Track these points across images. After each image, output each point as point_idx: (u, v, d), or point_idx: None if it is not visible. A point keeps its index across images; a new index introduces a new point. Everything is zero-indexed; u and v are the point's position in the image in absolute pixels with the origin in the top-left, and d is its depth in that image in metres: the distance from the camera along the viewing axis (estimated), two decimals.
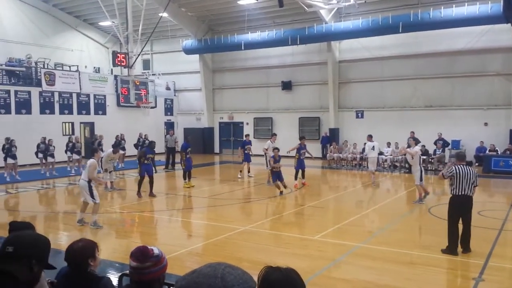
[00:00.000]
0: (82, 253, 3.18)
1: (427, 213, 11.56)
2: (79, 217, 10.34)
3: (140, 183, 13.95)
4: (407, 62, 23.45)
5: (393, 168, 21.36)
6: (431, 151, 21.14)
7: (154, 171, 14.23)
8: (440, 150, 20.93)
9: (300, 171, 15.94)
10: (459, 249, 7.85)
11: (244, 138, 19.69)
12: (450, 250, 7.81)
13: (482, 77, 21.78)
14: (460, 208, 7.89)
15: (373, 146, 16.44)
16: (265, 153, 16.93)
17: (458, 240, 7.86)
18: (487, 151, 20.78)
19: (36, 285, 2.32)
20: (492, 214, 11.23)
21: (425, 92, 23.15)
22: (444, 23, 20.36)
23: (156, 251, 2.62)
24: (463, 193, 7.81)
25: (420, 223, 10.79)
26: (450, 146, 21.58)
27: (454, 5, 20.19)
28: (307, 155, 16.30)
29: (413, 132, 20.54)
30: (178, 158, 20.21)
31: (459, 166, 7.94)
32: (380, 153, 22.00)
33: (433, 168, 20.74)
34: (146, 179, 13.87)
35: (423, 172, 12.92)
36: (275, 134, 18.48)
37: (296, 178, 15.88)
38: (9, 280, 2.10)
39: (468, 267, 7.23)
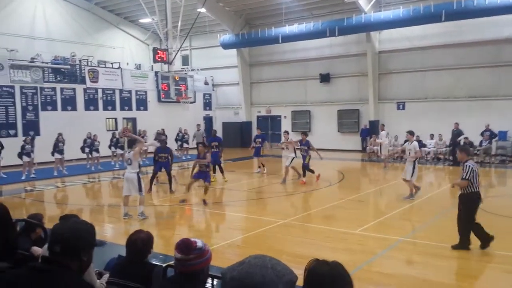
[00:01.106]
0: (146, 243, 3.36)
1: None
2: (124, 211, 10.59)
3: (152, 179, 14.16)
4: (450, 52, 22.71)
5: (436, 161, 20.80)
6: (476, 143, 20.42)
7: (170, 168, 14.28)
8: (487, 141, 20.17)
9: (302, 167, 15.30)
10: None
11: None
12: (463, 245, 7.52)
13: None
14: (478, 204, 7.55)
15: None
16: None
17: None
18: None
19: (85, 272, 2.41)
20: None
21: (469, 82, 22.36)
22: (489, 10, 19.55)
23: (199, 243, 2.67)
24: (478, 189, 7.52)
25: None
26: (497, 138, 20.79)
27: None
28: (309, 153, 15.21)
29: (457, 124, 19.93)
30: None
31: (473, 162, 7.62)
32: (423, 145, 21.51)
33: (480, 161, 20.05)
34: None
35: (416, 168, 12.33)
36: (287, 132, 17.75)
37: (304, 174, 15.31)
38: (64, 271, 2.18)
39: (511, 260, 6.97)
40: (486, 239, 7.50)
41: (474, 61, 22.04)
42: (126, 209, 10.58)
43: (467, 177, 7.40)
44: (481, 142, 20.31)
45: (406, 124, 23.42)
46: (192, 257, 2.61)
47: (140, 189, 10.32)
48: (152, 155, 15.06)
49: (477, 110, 21.82)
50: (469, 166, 7.46)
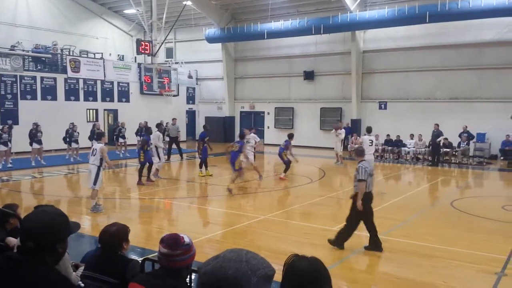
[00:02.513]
0: (118, 236, 3.30)
1: (449, 207, 11.40)
2: (92, 204, 10.45)
3: (141, 171, 14.03)
4: (433, 53, 23.01)
5: (415, 161, 21.08)
6: (455, 144, 20.77)
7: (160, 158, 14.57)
8: (465, 143, 20.53)
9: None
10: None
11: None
12: (338, 244, 7.69)
13: (509, 69, 21.22)
14: (370, 204, 7.69)
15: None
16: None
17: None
18: None
19: (60, 262, 2.37)
20: None
21: (451, 84, 22.71)
22: (473, 13, 19.87)
23: (186, 239, 2.66)
24: (371, 189, 7.68)
25: (442, 216, 10.64)
26: (475, 139, 21.17)
27: None
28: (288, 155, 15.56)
29: (437, 125, 20.21)
30: (194, 147, 20.28)
31: (366, 163, 7.70)
32: (403, 145, 21.79)
33: (457, 161, 20.40)
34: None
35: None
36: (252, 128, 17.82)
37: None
38: (39, 263, 2.14)
39: (490, 261, 7.11)
40: (343, 240, 7.65)
41: (456, 63, 22.38)
42: (94, 202, 10.45)
43: (363, 178, 7.52)
44: (459, 144, 20.66)
45: (387, 123, 23.79)
46: (179, 253, 2.59)
47: (94, 182, 10.17)
48: (135, 147, 14.94)
49: (457, 111, 22.17)
50: (361, 167, 7.59)
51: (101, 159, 10.22)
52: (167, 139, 22.05)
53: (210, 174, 16.08)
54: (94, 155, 10.26)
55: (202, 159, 15.96)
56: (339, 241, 7.69)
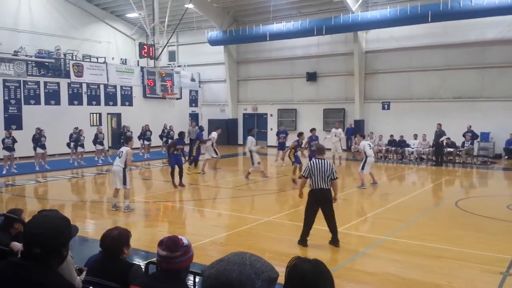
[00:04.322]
0: (118, 240, 3.30)
1: (454, 207, 11.36)
2: (113, 202, 10.84)
3: (172, 174, 13.99)
4: (436, 53, 22.97)
5: (419, 161, 21.02)
6: (459, 143, 20.70)
7: (183, 161, 14.62)
8: (469, 142, 20.45)
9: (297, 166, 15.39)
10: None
11: (310, 134, 18.97)
12: (302, 241, 7.87)
13: None
14: (318, 201, 7.82)
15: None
16: (212, 144, 17.55)
17: (310, 231, 7.89)
18: None
19: (64, 266, 2.38)
20: None
21: (454, 83, 22.65)
22: (475, 12, 19.83)
23: (185, 241, 2.67)
24: (319, 187, 7.74)
25: (447, 216, 10.61)
26: (479, 139, 21.09)
27: None
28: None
29: (440, 124, 20.15)
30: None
31: (315, 160, 7.86)
32: (407, 145, 21.73)
33: (461, 161, 20.32)
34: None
35: (366, 163, 13.89)
36: (219, 128, 19.74)
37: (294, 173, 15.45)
38: (44, 268, 2.15)
39: (495, 261, 7.08)
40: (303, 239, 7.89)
41: (459, 62, 22.32)
42: (115, 201, 10.81)
43: (303, 173, 7.97)
44: (463, 143, 20.59)
45: (390, 124, 23.75)
46: (178, 255, 2.59)
47: (124, 182, 10.55)
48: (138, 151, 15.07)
49: (461, 111, 22.11)
50: (307, 163, 7.95)
51: (125, 161, 10.60)
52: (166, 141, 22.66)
53: (198, 171, 16.89)
54: (120, 157, 10.62)
55: (196, 156, 16.75)
56: (301, 238, 7.93)
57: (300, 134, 15.72)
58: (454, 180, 17.29)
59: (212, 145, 17.49)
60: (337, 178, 7.89)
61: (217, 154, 17.59)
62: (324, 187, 7.73)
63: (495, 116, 21.28)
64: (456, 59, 22.39)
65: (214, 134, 18.06)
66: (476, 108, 21.87)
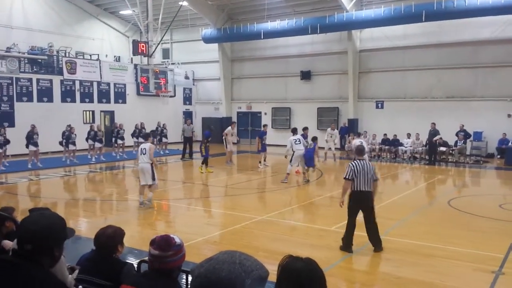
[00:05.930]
0: (113, 239, 3.29)
1: (447, 206, 11.41)
2: (140, 200, 10.97)
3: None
4: (430, 52, 23.05)
5: (413, 160, 21.09)
6: (451, 143, 20.79)
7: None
8: (462, 141, 20.54)
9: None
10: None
11: (262, 129, 20.26)
12: (346, 246, 7.54)
13: (506, 67, 21.27)
14: (360, 203, 7.56)
15: (298, 139, 14.68)
16: (225, 138, 19.15)
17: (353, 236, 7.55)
18: (510, 143, 20.36)
19: (55, 265, 2.36)
20: None
21: (447, 83, 22.75)
22: (469, 12, 19.90)
23: (177, 240, 2.65)
24: (361, 189, 7.47)
25: (440, 215, 10.65)
26: (472, 138, 21.20)
27: None
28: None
29: (434, 123, 20.23)
30: (195, 147, 20.49)
31: (357, 162, 7.54)
32: (400, 144, 21.80)
33: (454, 160, 20.41)
34: None
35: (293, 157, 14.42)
36: (234, 122, 21.60)
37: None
38: (35, 267, 2.12)
39: (488, 260, 7.11)
40: (347, 244, 7.55)
41: (453, 61, 22.42)
42: (142, 198, 10.94)
43: (347, 176, 7.51)
44: (456, 142, 20.68)
45: (384, 123, 23.82)
46: (170, 254, 2.57)
47: (153, 178, 10.82)
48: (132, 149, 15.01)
49: (454, 110, 22.21)
50: (349, 165, 7.54)
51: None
52: (164, 140, 22.79)
53: (211, 171, 16.85)
54: (144, 154, 10.76)
55: (206, 156, 16.78)
56: (344, 244, 7.57)
57: (305, 129, 15.85)
58: (447, 179, 17.37)
59: (225, 139, 19.08)
60: (378, 179, 7.76)
61: (226, 147, 19.15)
62: (366, 189, 7.46)
63: (488, 116, 21.41)
64: (450, 58, 22.48)
65: (230, 129, 19.54)
66: (469, 107, 21.99)
